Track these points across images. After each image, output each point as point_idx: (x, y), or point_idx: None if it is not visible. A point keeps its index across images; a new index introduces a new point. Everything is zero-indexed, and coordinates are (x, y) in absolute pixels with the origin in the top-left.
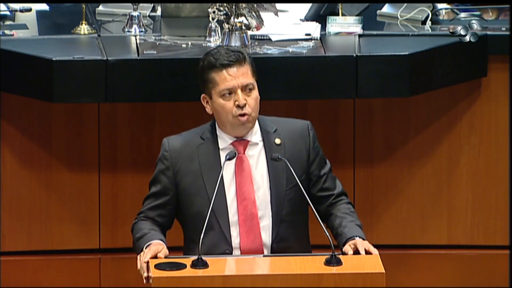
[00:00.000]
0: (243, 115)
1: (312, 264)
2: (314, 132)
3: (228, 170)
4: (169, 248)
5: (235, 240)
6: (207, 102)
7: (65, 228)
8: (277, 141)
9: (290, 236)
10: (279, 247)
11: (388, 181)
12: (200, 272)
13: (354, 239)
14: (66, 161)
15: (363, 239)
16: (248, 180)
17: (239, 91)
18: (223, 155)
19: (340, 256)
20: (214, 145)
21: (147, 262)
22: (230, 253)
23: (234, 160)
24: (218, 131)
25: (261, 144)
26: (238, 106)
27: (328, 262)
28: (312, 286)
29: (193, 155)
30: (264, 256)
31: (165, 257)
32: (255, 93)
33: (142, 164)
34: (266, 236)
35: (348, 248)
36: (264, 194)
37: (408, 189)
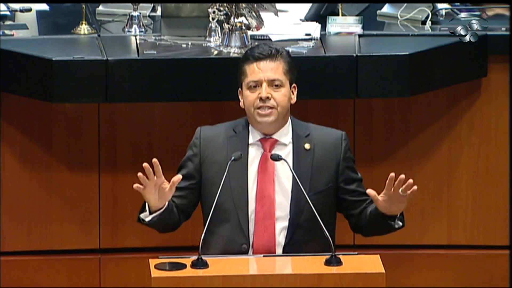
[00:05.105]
0: (265, 108)
1: (312, 264)
2: (347, 142)
3: (253, 166)
4: (168, 248)
5: (251, 237)
6: (242, 95)
7: (65, 228)
8: (307, 146)
9: (307, 242)
10: (292, 251)
11: None
12: (200, 272)
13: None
14: (66, 161)
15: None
16: (270, 179)
17: (264, 85)
18: (251, 150)
19: (340, 256)
20: (244, 139)
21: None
22: (247, 248)
23: (259, 157)
24: (250, 126)
25: (290, 146)
26: (261, 99)
27: (328, 262)
28: (312, 286)
29: (222, 146)
30: (264, 256)
31: (165, 257)
32: (283, 90)
33: (142, 164)
34: (282, 238)
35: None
36: (286, 197)
37: None
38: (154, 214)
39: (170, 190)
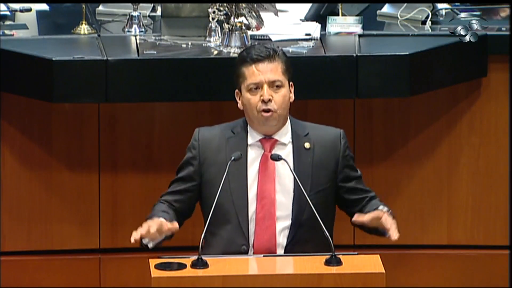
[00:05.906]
0: (267, 111)
1: (312, 264)
2: (346, 141)
3: (253, 167)
4: (168, 248)
5: (251, 237)
6: (239, 97)
7: (65, 228)
8: (307, 145)
9: (308, 241)
10: (294, 250)
11: (388, 181)
12: (200, 272)
13: (378, 210)
14: (66, 161)
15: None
16: (270, 179)
17: (265, 87)
18: (250, 151)
19: (340, 256)
20: (243, 140)
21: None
22: (247, 249)
23: (259, 158)
24: (249, 127)
25: (290, 146)
26: (263, 101)
27: (328, 262)
28: (312, 286)
29: (221, 147)
30: (264, 256)
31: (165, 257)
32: (284, 91)
33: (142, 164)
34: (283, 238)
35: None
36: (287, 196)
37: (408, 189)
38: (157, 241)
39: (169, 230)
